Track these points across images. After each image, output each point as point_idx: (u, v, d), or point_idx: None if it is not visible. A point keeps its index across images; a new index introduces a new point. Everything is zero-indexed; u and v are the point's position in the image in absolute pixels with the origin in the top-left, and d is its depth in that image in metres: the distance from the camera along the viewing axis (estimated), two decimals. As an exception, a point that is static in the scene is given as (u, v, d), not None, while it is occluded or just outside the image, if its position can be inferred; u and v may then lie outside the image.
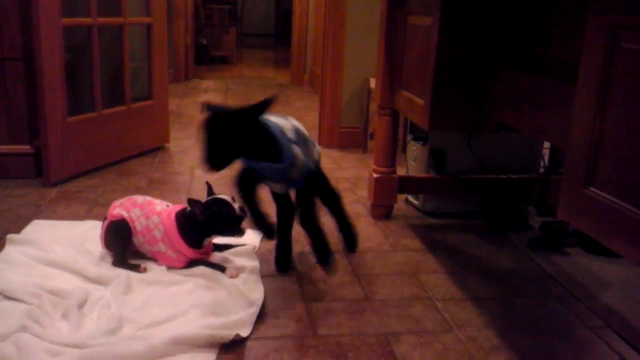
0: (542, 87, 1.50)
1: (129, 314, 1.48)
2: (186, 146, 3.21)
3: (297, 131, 1.61)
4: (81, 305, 1.51)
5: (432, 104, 1.73)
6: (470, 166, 2.26)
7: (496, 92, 1.74)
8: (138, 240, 1.73)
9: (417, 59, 1.88)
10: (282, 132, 1.55)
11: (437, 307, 1.62)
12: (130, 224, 1.71)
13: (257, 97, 4.86)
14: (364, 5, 3.16)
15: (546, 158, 2.36)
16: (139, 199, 1.78)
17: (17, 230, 1.95)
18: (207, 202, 1.67)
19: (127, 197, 1.80)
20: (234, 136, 1.43)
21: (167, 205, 1.78)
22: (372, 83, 3.04)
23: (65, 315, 1.46)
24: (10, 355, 1.29)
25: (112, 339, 1.36)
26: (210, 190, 1.74)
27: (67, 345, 1.34)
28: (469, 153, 2.23)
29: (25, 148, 2.51)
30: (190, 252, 1.71)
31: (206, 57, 7.20)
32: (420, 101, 1.81)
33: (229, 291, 1.58)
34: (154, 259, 1.75)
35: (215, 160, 1.43)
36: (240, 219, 1.66)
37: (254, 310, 1.50)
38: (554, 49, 1.51)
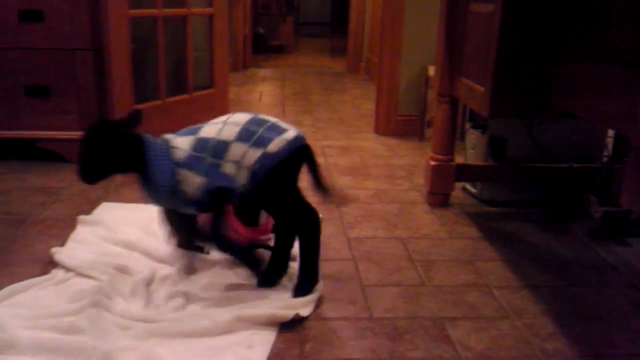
0: (606, 74, 1.48)
1: (194, 293, 1.55)
2: (245, 133, 3.28)
3: (202, 148, 1.44)
4: (148, 283, 1.59)
5: (492, 91, 1.73)
6: (531, 154, 2.23)
7: (558, 78, 1.71)
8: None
9: (477, 46, 1.87)
10: (168, 152, 1.43)
11: (494, 294, 1.62)
12: None
13: (313, 86, 4.96)
14: (422, -8, 3.14)
15: (610, 146, 2.31)
16: None
17: (88, 211, 2.06)
18: None
19: None
20: (104, 150, 1.39)
21: None
22: (431, 71, 3.03)
23: (133, 292, 1.54)
24: (83, 328, 1.37)
25: (178, 314, 1.44)
26: None
27: (135, 320, 1.42)
28: (529, 141, 2.21)
29: (95, 134, 2.63)
30: (245, 232, 1.64)
31: (263, 46, 7.29)
32: (481, 88, 1.80)
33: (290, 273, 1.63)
34: None
35: (86, 172, 1.40)
36: None
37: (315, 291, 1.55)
38: (616, 34, 1.48)
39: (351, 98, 4.49)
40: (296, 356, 1.33)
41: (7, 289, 1.53)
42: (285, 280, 1.60)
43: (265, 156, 1.42)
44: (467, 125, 2.42)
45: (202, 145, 1.44)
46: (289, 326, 1.43)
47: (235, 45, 5.55)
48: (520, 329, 1.46)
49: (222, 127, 1.46)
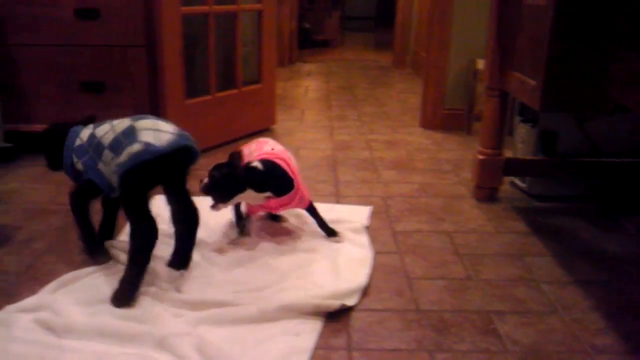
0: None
1: (241, 281, 1.59)
2: (291, 127, 3.32)
3: (90, 143, 1.58)
4: (196, 273, 1.63)
5: (545, 85, 1.70)
6: (582, 148, 2.19)
7: (614, 73, 1.68)
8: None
9: (530, 39, 1.85)
10: (72, 140, 1.64)
11: (542, 289, 1.61)
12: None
13: (359, 80, 4.97)
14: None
15: (665, 141, 2.25)
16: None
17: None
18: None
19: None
20: (50, 144, 1.69)
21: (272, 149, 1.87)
22: (479, 64, 3.00)
23: (182, 281, 1.58)
24: (137, 315, 1.42)
25: (226, 302, 1.47)
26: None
27: (186, 308, 1.46)
28: (581, 135, 2.17)
29: (147, 128, 2.70)
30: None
31: (309, 41, 7.33)
32: (533, 82, 1.78)
33: (337, 264, 1.65)
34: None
35: (50, 162, 1.72)
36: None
37: (361, 281, 1.57)
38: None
39: (397, 92, 4.48)
40: (343, 346, 1.35)
41: (66, 276, 1.60)
42: (325, 272, 1.63)
43: (117, 166, 1.50)
44: (517, 119, 2.39)
45: (91, 140, 1.59)
46: (335, 316, 1.45)
47: (281, 41, 5.59)
48: (568, 324, 1.45)
49: (109, 129, 1.56)
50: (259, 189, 1.71)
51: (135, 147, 1.46)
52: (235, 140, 2.98)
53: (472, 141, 3.04)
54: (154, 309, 1.43)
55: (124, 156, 1.47)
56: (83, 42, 2.61)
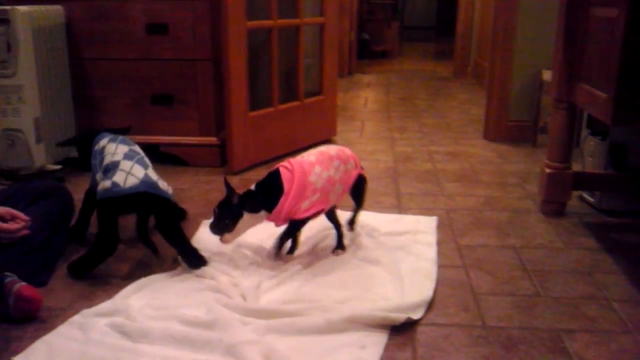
0: None
1: (309, 292, 1.61)
2: (351, 139, 3.34)
3: (101, 150, 1.84)
4: (257, 287, 1.65)
5: (616, 98, 1.66)
6: (655, 163, 2.12)
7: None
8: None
9: (599, 51, 1.81)
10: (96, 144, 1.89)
11: (614, 308, 1.56)
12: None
13: (419, 91, 4.95)
14: (536, -6, 3.06)
15: None
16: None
17: (208, 213, 2.18)
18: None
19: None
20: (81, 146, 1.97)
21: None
22: (545, 75, 2.94)
23: (250, 291, 1.62)
24: (207, 322, 1.46)
25: (293, 312, 1.49)
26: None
27: (251, 314, 1.49)
28: (654, 149, 2.10)
29: (212, 140, 2.78)
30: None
31: (367, 52, 7.35)
32: (603, 95, 1.74)
33: (402, 276, 1.65)
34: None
35: (81, 163, 1.96)
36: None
37: (427, 295, 1.57)
38: None
39: (458, 103, 4.43)
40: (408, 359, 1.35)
41: (139, 282, 1.66)
42: (390, 284, 1.63)
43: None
44: (585, 132, 2.33)
45: (100, 152, 1.83)
46: (400, 329, 1.45)
47: (340, 52, 5.63)
48: (644, 346, 1.40)
49: (112, 152, 1.79)
50: (253, 209, 1.72)
51: (107, 184, 1.69)
52: (297, 151, 3.01)
53: (539, 154, 2.97)
54: (224, 316, 1.47)
55: (100, 186, 1.72)
56: (153, 57, 2.72)
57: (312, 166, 1.74)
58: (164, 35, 2.69)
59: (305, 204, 1.72)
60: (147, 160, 1.81)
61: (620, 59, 1.64)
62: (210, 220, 1.74)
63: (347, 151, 1.87)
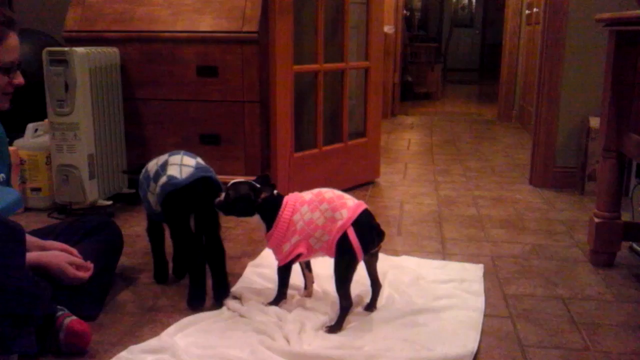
0: None
1: (351, 339, 1.60)
2: (395, 181, 3.34)
3: (144, 171, 1.88)
4: (301, 331, 1.64)
5: (667, 149, 1.63)
6: None
7: None
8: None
9: (649, 101, 1.79)
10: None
11: (669, 367, 1.50)
12: None
13: (462, 133, 4.95)
14: (583, 42, 3.05)
15: None
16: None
17: (252, 252, 2.21)
18: None
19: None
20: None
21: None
22: (593, 122, 2.91)
23: (294, 333, 1.62)
24: (249, 362, 1.47)
25: (335, 357, 1.48)
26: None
27: (294, 358, 1.48)
28: None
29: (257, 179, 2.82)
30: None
31: (411, 94, 7.39)
32: (654, 145, 1.71)
33: (447, 326, 1.63)
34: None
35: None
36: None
37: (472, 347, 1.54)
38: None
39: (503, 147, 4.40)
40: (454, 412, 1.32)
41: (184, 321, 1.68)
42: (434, 334, 1.61)
43: (155, 196, 1.79)
44: (635, 181, 2.29)
45: (144, 174, 1.88)
46: (445, 380, 1.42)
47: (384, 94, 5.68)
48: (703, 409, 1.34)
49: (154, 162, 1.83)
50: (263, 217, 1.72)
51: (163, 180, 1.73)
52: (340, 193, 3.03)
53: (587, 201, 2.92)
54: (267, 358, 1.47)
55: (157, 187, 1.76)
56: (202, 98, 2.80)
57: (302, 205, 1.70)
58: (213, 77, 2.78)
59: (286, 247, 1.69)
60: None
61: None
62: (220, 200, 1.71)
63: (348, 201, 1.66)
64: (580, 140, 3.09)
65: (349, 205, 1.65)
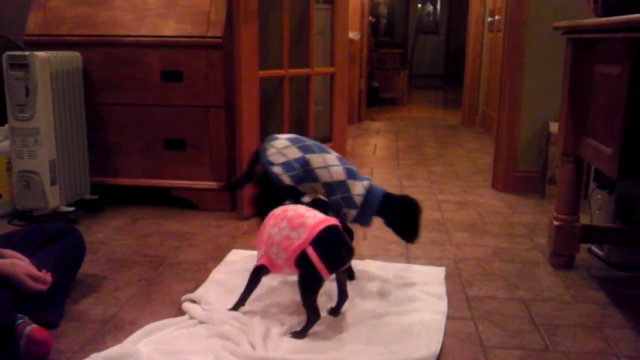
0: None
1: (316, 344, 1.60)
2: (361, 186, 3.36)
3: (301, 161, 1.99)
4: (266, 336, 1.64)
5: (621, 154, 1.68)
6: (663, 217, 2.12)
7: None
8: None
9: (603, 107, 1.84)
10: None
11: (625, 365, 1.55)
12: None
13: (427, 139, 4.99)
14: (543, 49, 3.12)
15: None
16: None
17: (217, 257, 2.20)
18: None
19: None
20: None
21: None
22: (552, 127, 2.98)
23: (250, 343, 1.61)
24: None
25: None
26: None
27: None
28: (662, 203, 2.11)
29: (223, 184, 2.81)
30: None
31: (377, 99, 7.46)
32: (609, 150, 1.76)
33: (411, 329, 1.65)
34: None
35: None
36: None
37: (435, 349, 1.56)
38: None
39: (467, 152, 4.47)
40: (417, 414, 1.34)
41: (147, 328, 1.66)
42: (397, 337, 1.63)
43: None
44: (593, 185, 2.35)
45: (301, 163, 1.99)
46: (409, 382, 1.44)
47: (350, 99, 5.72)
48: (656, 405, 1.38)
49: (322, 164, 1.97)
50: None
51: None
52: (306, 198, 3.04)
53: (547, 204, 2.99)
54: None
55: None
56: (167, 103, 2.78)
57: (270, 218, 1.71)
58: (178, 82, 2.76)
59: (259, 253, 1.74)
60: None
61: (624, 116, 1.67)
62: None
63: (308, 220, 1.62)
64: (540, 145, 3.17)
65: (308, 224, 1.61)
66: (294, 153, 1.97)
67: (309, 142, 2.04)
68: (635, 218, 2.15)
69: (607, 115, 1.81)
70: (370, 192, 1.94)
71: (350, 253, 1.63)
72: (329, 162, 1.96)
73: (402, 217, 1.94)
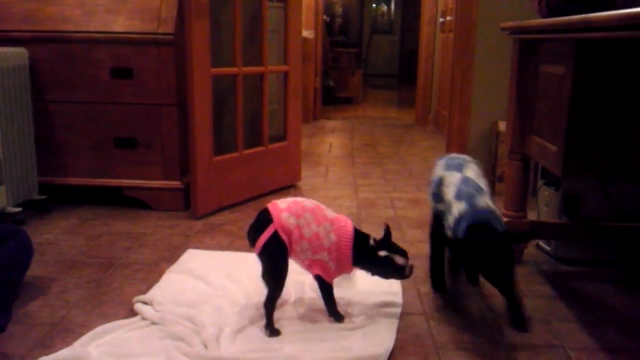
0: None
1: (268, 342, 1.60)
2: (316, 184, 3.37)
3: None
4: (219, 336, 1.63)
5: (565, 151, 1.74)
6: (606, 213, 2.20)
7: (636, 138, 1.71)
8: (302, 246, 1.66)
9: (549, 106, 1.90)
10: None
11: (570, 357, 1.59)
12: (294, 235, 1.65)
13: (382, 137, 5.05)
14: (492, 50, 3.19)
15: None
16: (307, 202, 1.71)
17: (170, 257, 2.17)
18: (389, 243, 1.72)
19: (293, 200, 1.71)
20: None
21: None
22: (501, 126, 3.05)
23: (212, 340, 1.60)
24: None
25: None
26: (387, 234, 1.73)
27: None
28: (605, 199, 2.18)
29: (176, 184, 2.78)
30: (350, 269, 1.72)
31: (332, 98, 7.48)
32: (554, 147, 1.82)
33: (364, 326, 1.66)
34: (306, 268, 1.73)
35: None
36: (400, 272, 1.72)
37: (388, 346, 1.57)
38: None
39: (420, 150, 4.53)
40: (370, 409, 1.35)
41: (98, 330, 1.63)
42: (351, 334, 1.64)
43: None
44: (540, 182, 2.42)
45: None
46: (362, 378, 1.45)
47: (305, 98, 5.72)
48: (598, 393, 1.43)
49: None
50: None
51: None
52: (261, 196, 3.03)
53: (497, 201, 3.04)
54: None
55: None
56: (117, 100, 2.73)
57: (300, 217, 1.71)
58: (128, 79, 2.71)
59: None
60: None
61: (568, 114, 1.72)
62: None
63: (276, 205, 1.69)
64: (490, 144, 3.24)
65: (275, 208, 1.69)
66: None
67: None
68: (580, 214, 2.22)
69: (552, 113, 1.86)
70: None
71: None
72: None
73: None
